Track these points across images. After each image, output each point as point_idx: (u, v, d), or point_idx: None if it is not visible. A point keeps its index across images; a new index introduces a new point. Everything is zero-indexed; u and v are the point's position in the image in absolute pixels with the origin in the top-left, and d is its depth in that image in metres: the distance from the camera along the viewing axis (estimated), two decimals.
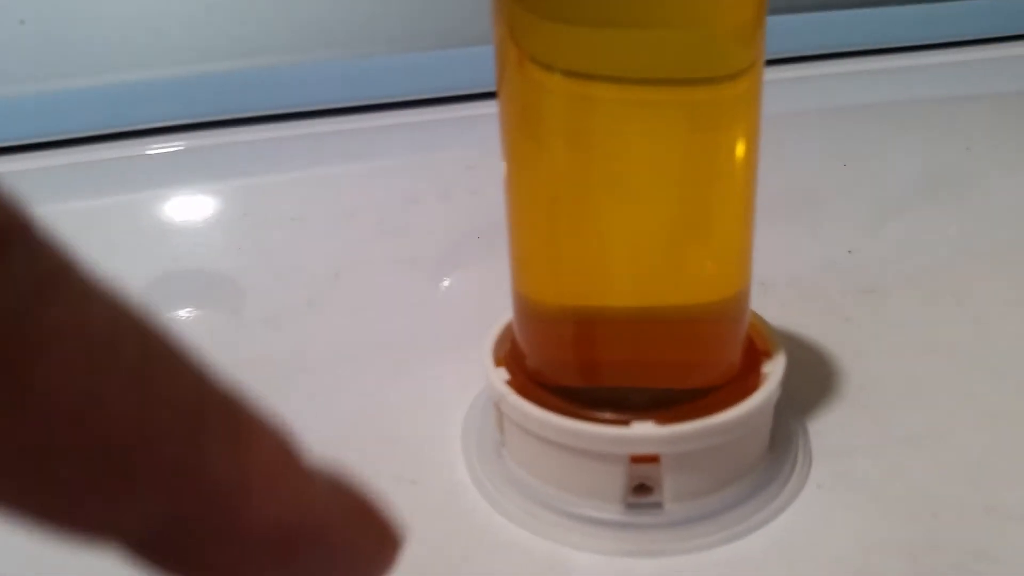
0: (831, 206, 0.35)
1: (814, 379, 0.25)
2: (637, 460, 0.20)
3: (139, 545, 0.11)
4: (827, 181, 0.37)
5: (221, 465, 0.11)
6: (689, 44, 0.18)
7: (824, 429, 0.24)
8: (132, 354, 0.10)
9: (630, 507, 0.21)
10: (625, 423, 0.20)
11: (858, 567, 0.20)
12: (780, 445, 0.23)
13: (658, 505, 0.21)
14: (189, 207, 0.37)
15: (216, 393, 0.11)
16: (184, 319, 0.30)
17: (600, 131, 0.19)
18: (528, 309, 0.22)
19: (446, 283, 0.31)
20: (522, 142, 0.20)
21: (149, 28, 0.40)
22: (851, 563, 0.20)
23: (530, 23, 0.18)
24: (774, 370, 0.21)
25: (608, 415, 0.20)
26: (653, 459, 0.20)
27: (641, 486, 0.21)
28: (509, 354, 0.22)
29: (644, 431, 0.20)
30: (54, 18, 0.39)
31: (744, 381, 0.21)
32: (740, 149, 0.20)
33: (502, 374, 0.22)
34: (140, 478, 0.10)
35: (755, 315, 0.23)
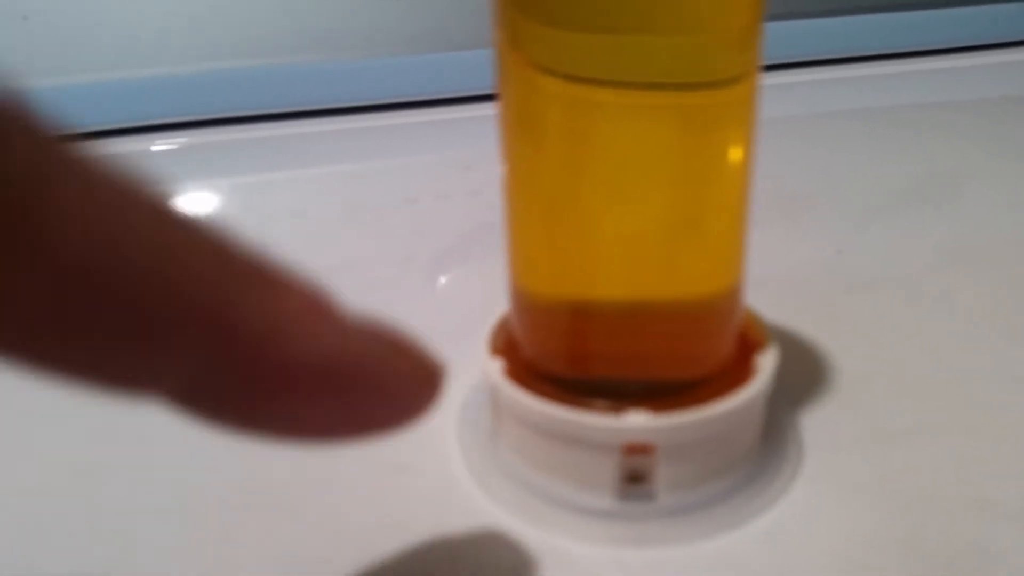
0: (820, 208, 0.35)
1: (805, 374, 0.26)
2: (630, 450, 0.21)
3: (181, 393, 0.12)
4: (817, 184, 0.37)
5: (250, 307, 0.11)
6: (688, 50, 0.18)
7: (815, 424, 0.24)
8: (148, 214, 0.11)
9: (623, 496, 0.21)
10: (619, 412, 0.20)
11: (849, 560, 0.20)
12: (772, 439, 0.23)
13: (651, 495, 0.21)
14: (190, 203, 0.37)
15: (240, 247, 0.12)
16: None
17: (598, 134, 0.19)
18: (524, 300, 0.22)
19: (443, 281, 0.32)
20: (521, 144, 0.20)
21: (152, 25, 0.40)
22: (842, 556, 0.20)
23: (530, 29, 0.18)
24: (767, 362, 0.22)
25: (602, 404, 0.20)
26: (646, 449, 0.21)
27: (634, 476, 0.21)
28: (505, 345, 0.23)
29: (638, 420, 0.20)
30: (57, 14, 0.39)
31: (737, 373, 0.21)
32: (737, 152, 0.20)
33: (498, 364, 0.22)
34: (172, 326, 0.11)
35: (748, 310, 0.23)
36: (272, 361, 0.12)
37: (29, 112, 0.10)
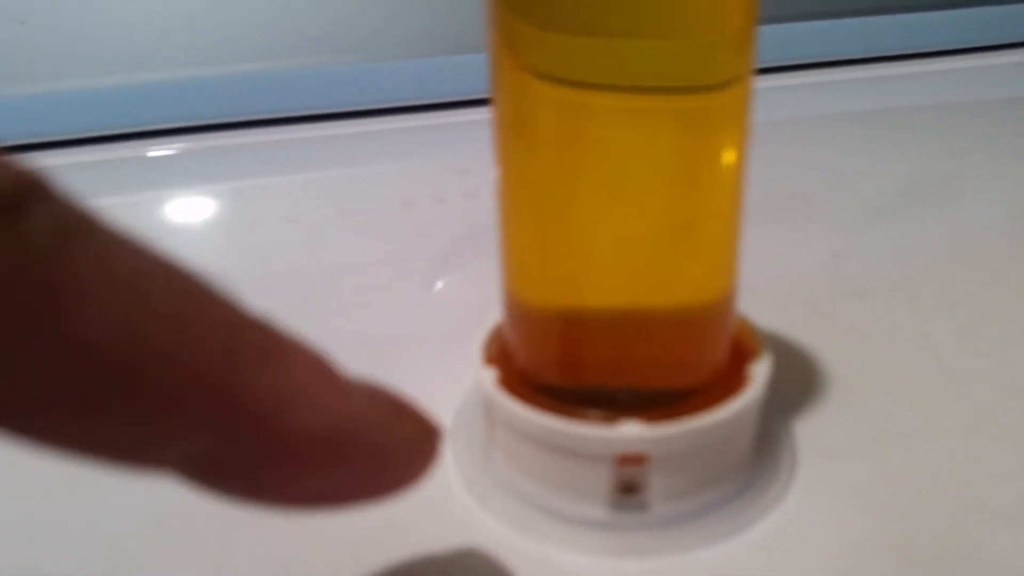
0: (817, 211, 0.35)
1: (800, 381, 0.26)
2: (624, 460, 0.21)
3: (190, 468, 0.12)
4: (813, 187, 0.37)
5: (261, 382, 0.12)
6: (681, 53, 0.18)
7: (810, 431, 0.24)
8: (162, 288, 0.11)
9: (616, 507, 0.21)
10: (612, 422, 0.20)
11: (844, 568, 0.20)
12: (766, 446, 0.23)
13: (644, 505, 0.21)
14: (187, 208, 0.37)
15: (249, 319, 0.12)
16: None
17: (592, 137, 0.19)
18: (517, 308, 0.22)
19: (439, 285, 0.32)
20: (514, 148, 0.20)
21: (149, 30, 0.40)
22: (838, 564, 0.20)
23: (523, 32, 0.18)
24: (761, 370, 0.22)
25: (596, 414, 0.20)
26: (640, 459, 0.21)
27: (628, 486, 0.21)
28: (498, 354, 0.23)
29: (631, 430, 0.20)
30: (55, 19, 0.39)
31: (731, 381, 0.21)
32: (731, 156, 0.20)
33: (491, 373, 0.22)
34: (184, 402, 0.11)
35: (741, 317, 0.23)
36: (283, 435, 0.12)
37: (46, 183, 0.10)
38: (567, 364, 0.22)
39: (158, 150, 0.40)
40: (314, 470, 0.13)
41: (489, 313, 0.24)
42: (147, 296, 0.10)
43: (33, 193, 0.10)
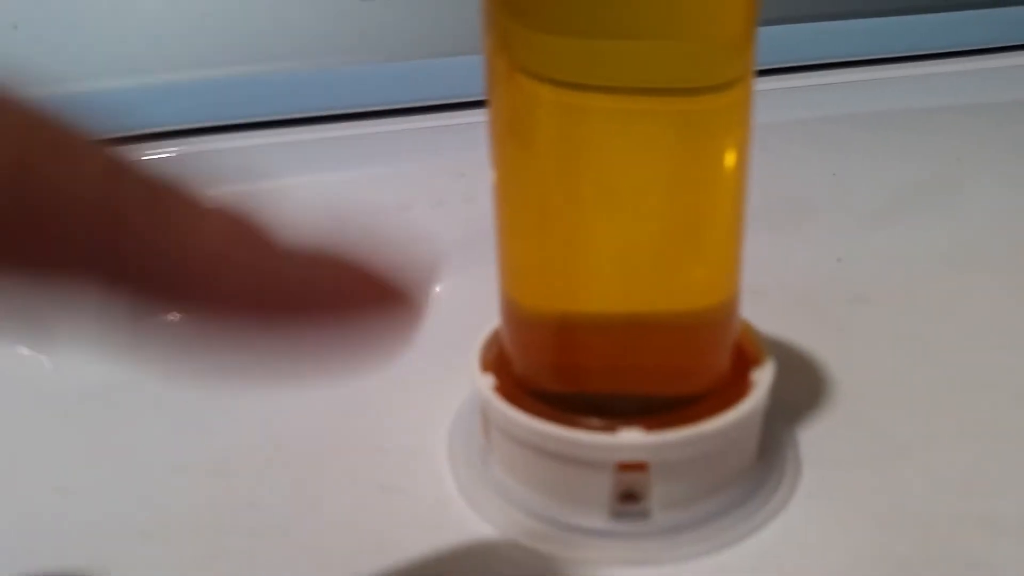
0: (820, 215, 0.35)
1: (804, 388, 0.25)
2: (624, 468, 0.20)
3: (117, 285, 0.13)
4: (816, 190, 0.37)
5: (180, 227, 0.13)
6: (680, 55, 0.18)
7: (814, 438, 0.23)
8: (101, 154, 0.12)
9: (617, 515, 0.21)
10: (612, 430, 0.20)
11: None
12: (769, 454, 0.23)
13: (645, 513, 0.21)
14: None
15: (174, 183, 0.13)
16: (176, 320, 0.30)
17: (590, 140, 0.19)
18: (516, 313, 0.22)
19: (437, 289, 0.31)
20: (512, 150, 0.20)
21: (143, 34, 0.40)
22: (841, 573, 0.20)
23: (520, 34, 0.18)
24: (763, 377, 0.21)
25: (595, 422, 0.20)
26: (640, 467, 0.20)
27: (628, 494, 0.21)
28: (496, 360, 0.22)
29: (631, 438, 0.20)
30: (47, 23, 0.39)
31: (733, 388, 0.21)
32: (731, 158, 0.20)
33: (489, 380, 0.21)
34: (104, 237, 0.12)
35: (744, 322, 0.23)
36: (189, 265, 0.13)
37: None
38: (566, 370, 0.21)
39: (152, 153, 0.40)
40: (232, 307, 0.14)
41: (487, 319, 0.23)
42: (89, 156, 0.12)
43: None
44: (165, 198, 0.13)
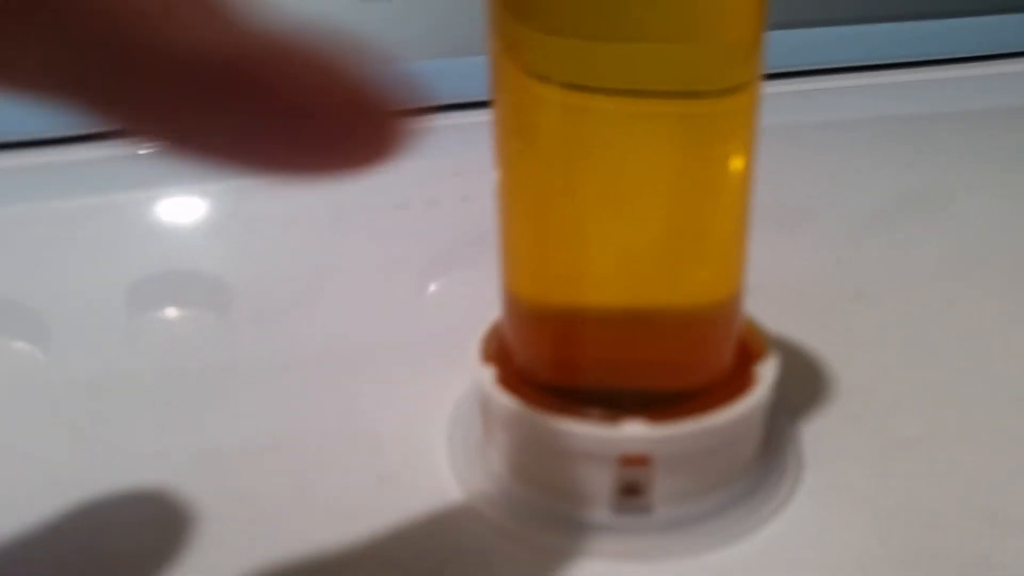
0: (821, 216, 0.35)
1: (806, 384, 0.25)
2: (627, 461, 0.20)
3: (75, 83, 0.12)
4: (818, 192, 0.37)
5: None
6: (688, 58, 0.18)
7: (816, 435, 0.23)
8: None
9: (619, 509, 0.20)
10: (614, 422, 0.20)
11: (850, 574, 0.20)
12: (772, 450, 0.22)
13: (648, 507, 0.20)
14: (179, 208, 0.36)
15: None
16: (171, 318, 0.29)
17: (596, 142, 0.18)
18: (518, 307, 0.21)
19: (432, 288, 0.31)
20: (516, 152, 0.20)
21: None
22: (843, 569, 0.20)
23: (526, 36, 0.18)
24: (767, 372, 0.21)
25: (597, 414, 0.20)
26: (643, 460, 0.20)
27: (630, 488, 0.21)
28: (497, 352, 0.22)
29: (635, 431, 0.19)
30: None
31: (736, 383, 0.21)
32: (737, 162, 0.19)
33: (489, 371, 0.21)
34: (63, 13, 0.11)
35: (747, 318, 0.23)
36: (157, 49, 0.11)
37: None
38: (569, 365, 0.21)
39: (149, 148, 0.39)
40: (202, 93, 0.12)
41: (483, 316, 0.23)
42: None
43: None
44: None
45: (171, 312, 0.30)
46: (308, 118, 0.12)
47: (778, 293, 0.29)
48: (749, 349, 0.22)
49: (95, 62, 0.11)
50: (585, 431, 0.20)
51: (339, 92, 0.13)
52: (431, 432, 0.24)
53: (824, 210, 0.35)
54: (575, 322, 0.21)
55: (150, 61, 0.11)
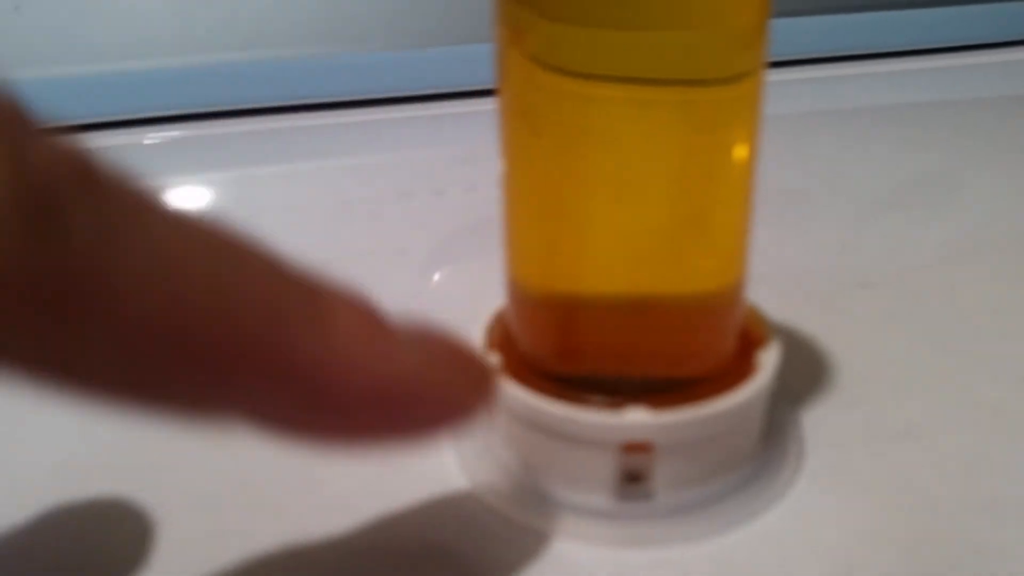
0: (823, 204, 0.35)
1: (808, 371, 0.25)
2: (629, 448, 0.20)
3: (254, 416, 0.13)
4: (820, 180, 0.37)
5: (306, 343, 0.12)
6: (693, 46, 0.18)
7: (818, 422, 0.23)
8: (203, 259, 0.11)
9: (621, 496, 0.21)
10: (617, 409, 0.20)
11: (851, 560, 0.20)
12: (774, 437, 0.23)
13: (650, 494, 0.21)
14: (183, 197, 0.36)
15: (289, 275, 0.13)
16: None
17: (601, 129, 0.19)
18: (522, 295, 0.21)
19: (437, 277, 0.31)
20: (522, 140, 0.20)
21: (146, 16, 0.40)
22: (844, 556, 0.20)
23: (532, 23, 0.18)
24: (769, 359, 0.21)
25: (600, 401, 0.20)
26: (645, 447, 0.20)
27: (633, 474, 0.21)
28: (501, 340, 0.22)
29: (637, 418, 0.20)
30: (49, 5, 0.39)
31: (738, 370, 0.21)
32: (741, 150, 0.20)
33: (493, 358, 0.21)
34: (232, 364, 0.12)
35: (750, 306, 0.23)
36: (325, 393, 0.13)
37: (90, 168, 0.11)
38: (572, 352, 0.21)
39: (155, 137, 0.40)
40: (365, 420, 0.14)
41: (487, 305, 0.23)
42: (189, 271, 0.11)
43: (76, 185, 0.10)
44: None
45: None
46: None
47: (781, 280, 0.29)
48: (751, 336, 0.22)
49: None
50: (588, 418, 0.20)
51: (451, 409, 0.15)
52: None
53: (827, 197, 0.35)
54: (579, 310, 0.21)
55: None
